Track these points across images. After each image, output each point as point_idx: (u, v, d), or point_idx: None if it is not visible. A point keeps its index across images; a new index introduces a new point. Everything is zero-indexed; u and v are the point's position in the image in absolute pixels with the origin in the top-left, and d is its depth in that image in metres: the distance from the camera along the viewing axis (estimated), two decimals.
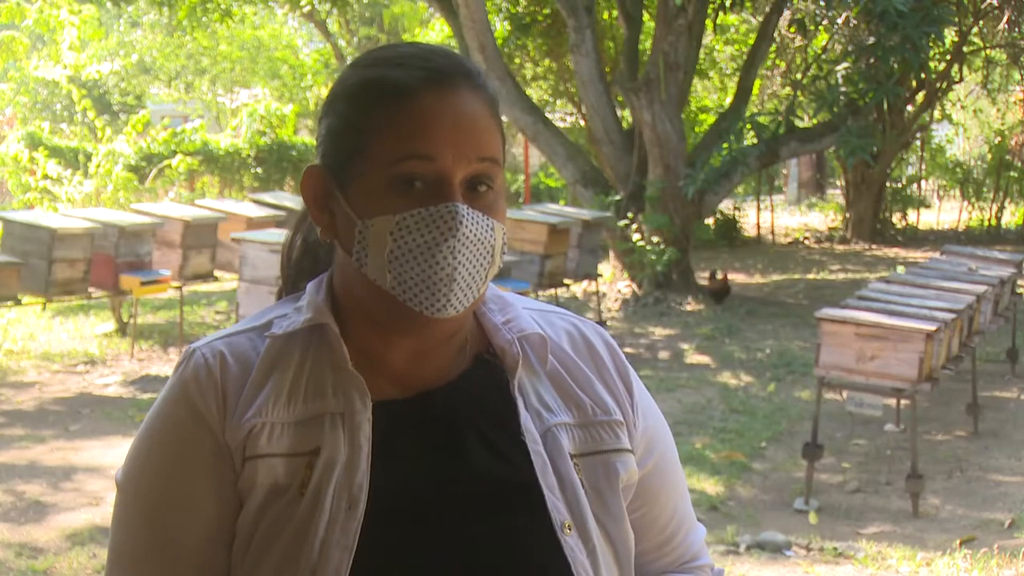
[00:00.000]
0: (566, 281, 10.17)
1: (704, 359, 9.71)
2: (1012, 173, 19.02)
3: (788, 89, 14.56)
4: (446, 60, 1.28)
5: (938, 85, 15.37)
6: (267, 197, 11.15)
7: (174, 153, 14.64)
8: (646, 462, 1.41)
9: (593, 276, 10.63)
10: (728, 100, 15.36)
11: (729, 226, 18.09)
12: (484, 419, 1.31)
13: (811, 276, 14.66)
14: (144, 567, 1.30)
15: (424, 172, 1.24)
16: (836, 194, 22.43)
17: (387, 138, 1.25)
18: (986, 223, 18.97)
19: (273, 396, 1.27)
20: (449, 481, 1.27)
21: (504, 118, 11.95)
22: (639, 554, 1.40)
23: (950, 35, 14.06)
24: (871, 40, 10.69)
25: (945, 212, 20.57)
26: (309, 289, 1.35)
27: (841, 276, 14.60)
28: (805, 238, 18.80)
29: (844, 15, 11.77)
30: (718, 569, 1.52)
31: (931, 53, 12.26)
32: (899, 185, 19.37)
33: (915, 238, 18.42)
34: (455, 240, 1.23)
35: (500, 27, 14.72)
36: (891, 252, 16.87)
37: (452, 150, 1.24)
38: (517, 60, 15.61)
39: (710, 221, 16.60)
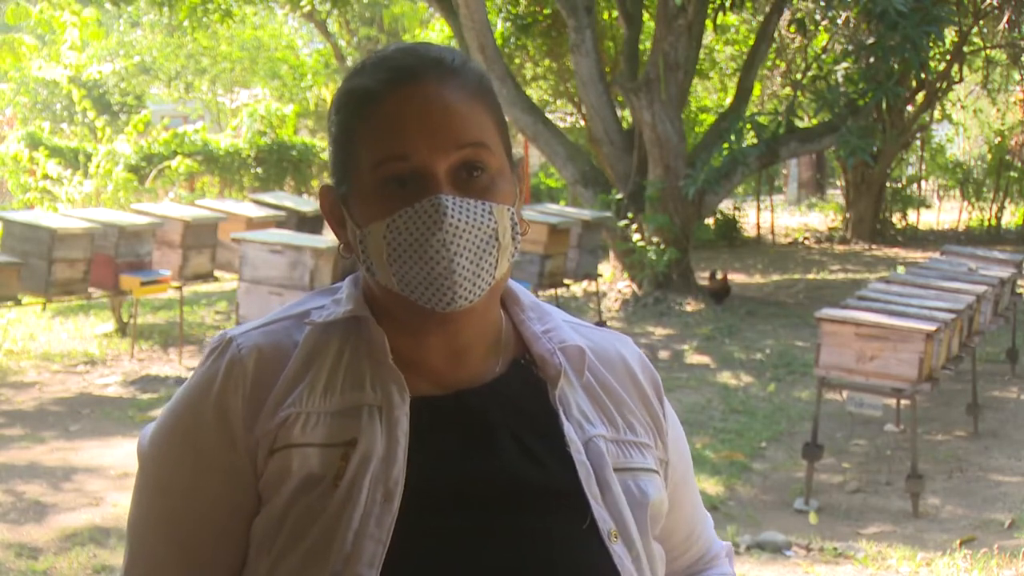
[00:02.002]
0: (566, 281, 10.17)
1: (704, 359, 9.71)
2: (1012, 173, 19.02)
3: (788, 89, 14.56)
4: (411, 58, 1.29)
5: (938, 85, 15.37)
6: (267, 197, 11.15)
7: (174, 154, 14.65)
8: (674, 475, 1.45)
9: (593, 276, 10.64)
10: (728, 100, 15.36)
11: (729, 226, 18.10)
12: (518, 422, 1.32)
13: (811, 276, 14.66)
14: (157, 542, 1.33)
15: (404, 172, 1.25)
16: (836, 194, 22.43)
17: (366, 146, 1.27)
18: (986, 223, 18.97)
19: (309, 386, 1.28)
20: (483, 479, 1.27)
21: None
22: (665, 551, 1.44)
23: (950, 35, 14.06)
24: (871, 40, 10.68)
25: (945, 212, 20.57)
26: (347, 282, 1.36)
27: (841, 276, 14.60)
28: (805, 238, 18.80)
29: (844, 15, 11.78)
30: (727, 545, 1.60)
31: (931, 53, 12.26)
32: (899, 185, 19.37)
33: (915, 238, 18.41)
34: (442, 232, 1.23)
35: (500, 27, 14.71)
36: (891, 252, 16.87)
37: (426, 145, 1.25)
38: (517, 60, 15.60)
39: (710, 221, 16.60)
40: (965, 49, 15.04)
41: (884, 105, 13.05)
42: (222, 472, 1.28)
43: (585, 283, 11.55)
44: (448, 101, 1.26)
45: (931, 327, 5.80)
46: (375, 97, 1.27)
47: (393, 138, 1.25)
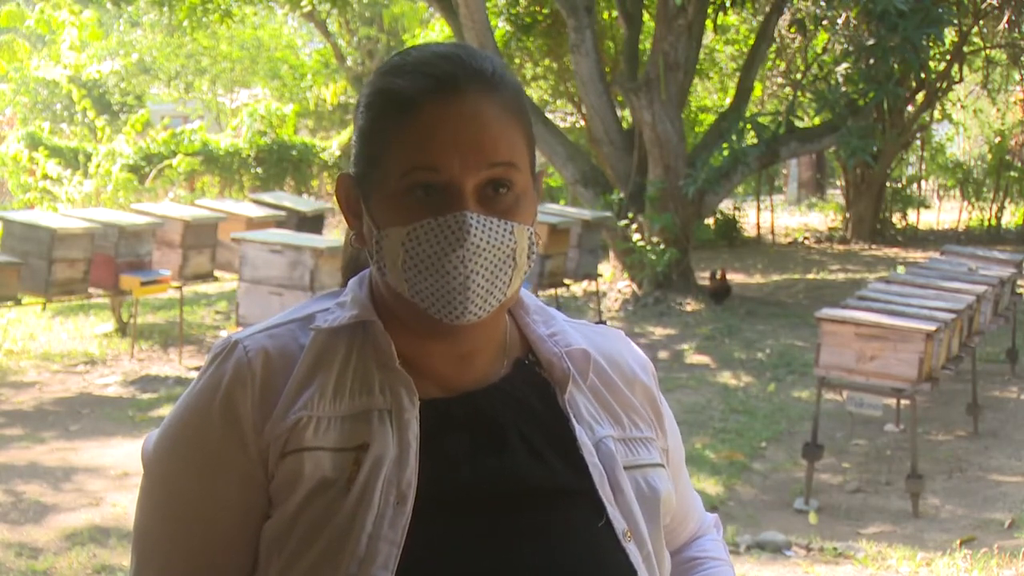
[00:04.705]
0: (566, 281, 10.17)
1: (704, 359, 9.71)
2: (1012, 173, 19.02)
3: (788, 89, 14.57)
4: (454, 65, 1.27)
5: (938, 85, 15.37)
6: (267, 197, 11.15)
7: (174, 153, 14.66)
8: (673, 459, 1.47)
9: (593, 276, 10.64)
10: (728, 100, 15.36)
11: (729, 226, 18.10)
12: (527, 423, 1.33)
13: (811, 276, 14.66)
14: (166, 549, 1.33)
15: (432, 183, 1.25)
16: (836, 194, 22.43)
17: (396, 150, 1.26)
18: (986, 223, 18.97)
19: (319, 390, 1.28)
20: (494, 480, 1.28)
21: None
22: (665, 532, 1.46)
23: (950, 35, 14.05)
24: (871, 40, 10.69)
25: (945, 212, 20.57)
26: (351, 285, 1.36)
27: (841, 276, 14.60)
28: (805, 238, 18.80)
29: (844, 15, 11.77)
30: (714, 516, 1.63)
31: (931, 53, 12.26)
32: (899, 185, 19.37)
33: (915, 238, 18.42)
34: (463, 250, 1.23)
35: (500, 27, 14.71)
36: (891, 252, 16.87)
37: (459, 160, 1.24)
38: (517, 60, 15.61)
39: (710, 221, 16.60)
40: (965, 49, 15.04)
41: (884, 105, 13.05)
42: (232, 474, 1.28)
43: (585, 283, 11.55)
44: (485, 118, 1.26)
45: (931, 327, 5.80)
46: (413, 104, 1.25)
47: (426, 148, 1.24)
